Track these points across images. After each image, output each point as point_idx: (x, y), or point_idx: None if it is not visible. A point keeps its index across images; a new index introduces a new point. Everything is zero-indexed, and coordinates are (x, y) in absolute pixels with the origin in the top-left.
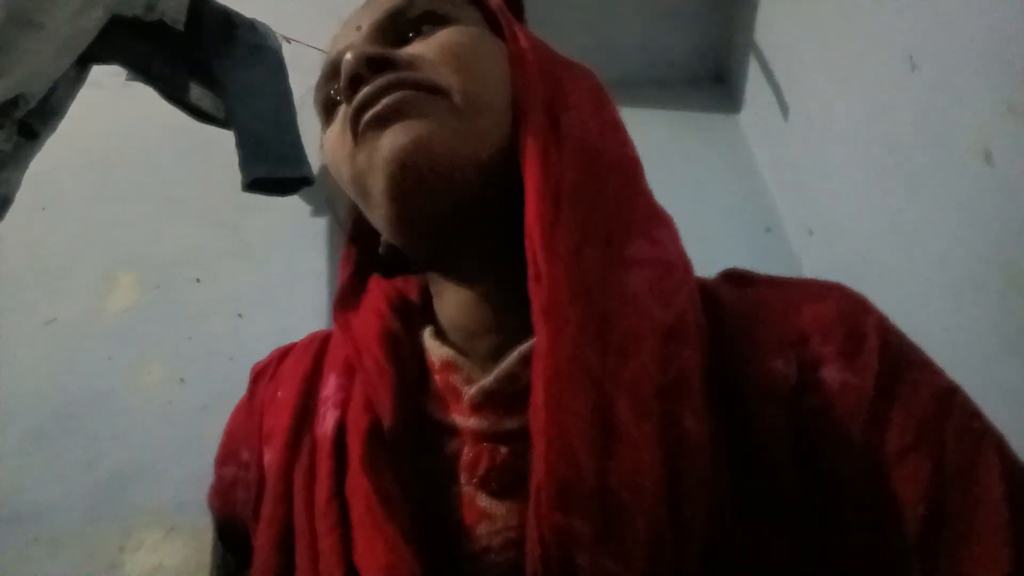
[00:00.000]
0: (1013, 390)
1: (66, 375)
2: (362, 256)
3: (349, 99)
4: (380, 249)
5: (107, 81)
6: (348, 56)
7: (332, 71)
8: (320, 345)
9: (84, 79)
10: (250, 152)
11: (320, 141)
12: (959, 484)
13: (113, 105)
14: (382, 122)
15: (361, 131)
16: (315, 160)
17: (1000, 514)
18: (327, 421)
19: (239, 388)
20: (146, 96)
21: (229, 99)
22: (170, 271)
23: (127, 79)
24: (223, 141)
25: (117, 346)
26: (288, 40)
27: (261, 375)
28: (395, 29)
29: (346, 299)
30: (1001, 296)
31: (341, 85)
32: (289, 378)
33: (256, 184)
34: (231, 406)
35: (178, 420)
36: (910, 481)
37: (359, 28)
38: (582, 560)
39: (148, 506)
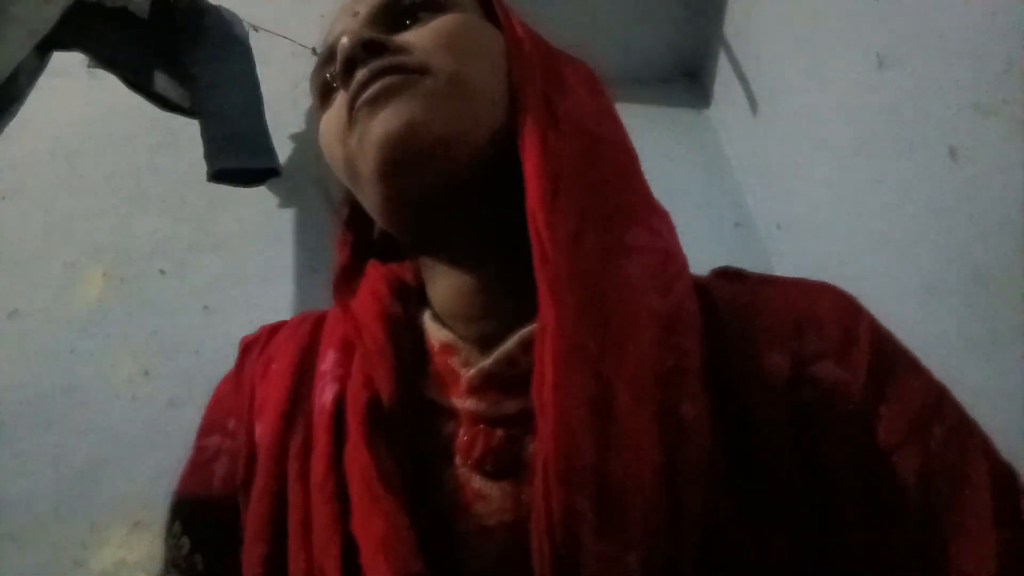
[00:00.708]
0: (976, 388)
1: (31, 368)
2: (358, 241)
3: (345, 83)
4: (375, 234)
5: (74, 70)
6: (344, 40)
7: (329, 55)
8: (315, 322)
9: (45, 66)
10: (217, 142)
11: (318, 126)
12: (947, 479)
13: (80, 95)
14: (374, 105)
15: (354, 114)
16: (282, 151)
17: (987, 509)
18: (326, 395)
19: (206, 382)
20: (113, 86)
21: (197, 88)
22: (136, 263)
23: (89, 66)
24: (191, 132)
25: (82, 339)
26: (256, 28)
27: (251, 348)
28: (392, 16)
29: (343, 282)
30: (965, 293)
31: (337, 68)
32: (284, 351)
33: (222, 174)
34: (198, 400)
35: (144, 415)
36: (899, 475)
37: (356, 14)
38: (585, 540)
39: (114, 501)
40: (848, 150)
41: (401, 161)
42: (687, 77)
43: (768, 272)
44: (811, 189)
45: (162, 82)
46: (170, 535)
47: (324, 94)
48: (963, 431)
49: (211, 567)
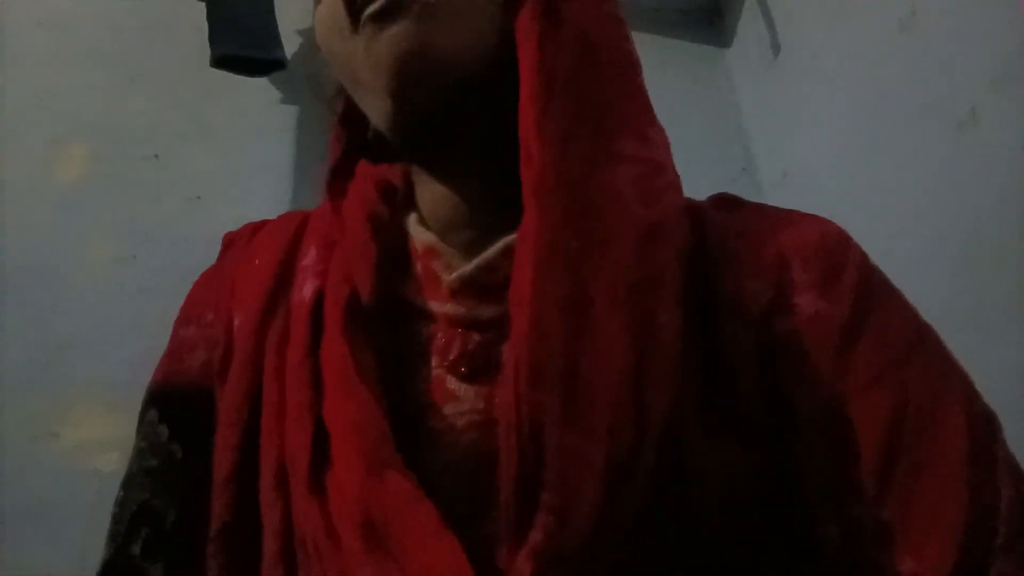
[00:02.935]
0: (966, 359)
1: (6, 241)
2: (351, 139)
3: None
4: (368, 135)
5: None
6: None
7: None
8: (300, 221)
9: None
10: (222, 27)
11: (312, 15)
12: (920, 418)
13: None
14: (382, 19)
15: (363, 20)
16: (289, 46)
17: (959, 450)
18: (305, 288)
19: (189, 272)
20: None
21: None
22: (124, 145)
23: None
24: (192, 14)
25: (61, 217)
26: None
27: (233, 243)
28: None
29: (335, 180)
30: (959, 264)
31: None
32: (267, 247)
33: (225, 60)
34: (181, 289)
35: (124, 299)
36: (874, 409)
37: None
38: (550, 433)
39: (89, 381)
40: (863, 107)
41: (412, 81)
42: (710, 14)
43: None
44: (821, 141)
45: None
46: (145, 423)
47: None
48: (943, 370)
49: (189, 455)
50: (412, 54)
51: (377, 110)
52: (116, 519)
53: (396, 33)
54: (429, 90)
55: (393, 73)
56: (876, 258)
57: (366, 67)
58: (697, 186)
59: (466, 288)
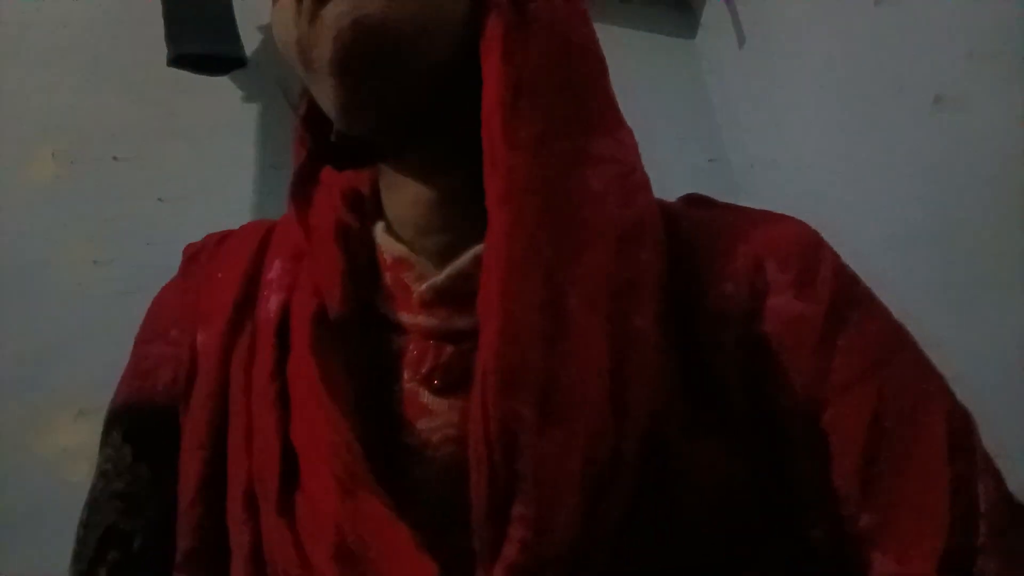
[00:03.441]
0: (948, 339)
1: None
2: (315, 143)
3: None
4: (332, 136)
5: None
6: None
7: None
8: (264, 232)
9: None
10: (180, 25)
11: (271, 14)
12: (901, 418)
13: None
14: None
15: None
16: (249, 43)
17: (940, 450)
18: (271, 303)
19: (157, 274)
20: None
21: None
22: (88, 146)
23: None
24: (154, 11)
25: (29, 222)
26: None
27: (196, 256)
28: None
29: (300, 187)
30: (941, 244)
31: None
32: (231, 260)
33: (183, 59)
34: (148, 292)
35: (92, 304)
36: (853, 411)
37: None
38: (525, 443)
39: (59, 388)
40: (833, 91)
41: (355, 57)
42: (676, 3)
43: None
44: (791, 129)
45: None
46: (109, 444)
47: None
48: (920, 370)
49: (155, 477)
50: (354, 28)
51: (326, 96)
52: (81, 541)
53: (339, 4)
54: (376, 69)
55: (335, 49)
56: (855, 244)
57: (314, 47)
58: (666, 178)
59: (438, 299)
